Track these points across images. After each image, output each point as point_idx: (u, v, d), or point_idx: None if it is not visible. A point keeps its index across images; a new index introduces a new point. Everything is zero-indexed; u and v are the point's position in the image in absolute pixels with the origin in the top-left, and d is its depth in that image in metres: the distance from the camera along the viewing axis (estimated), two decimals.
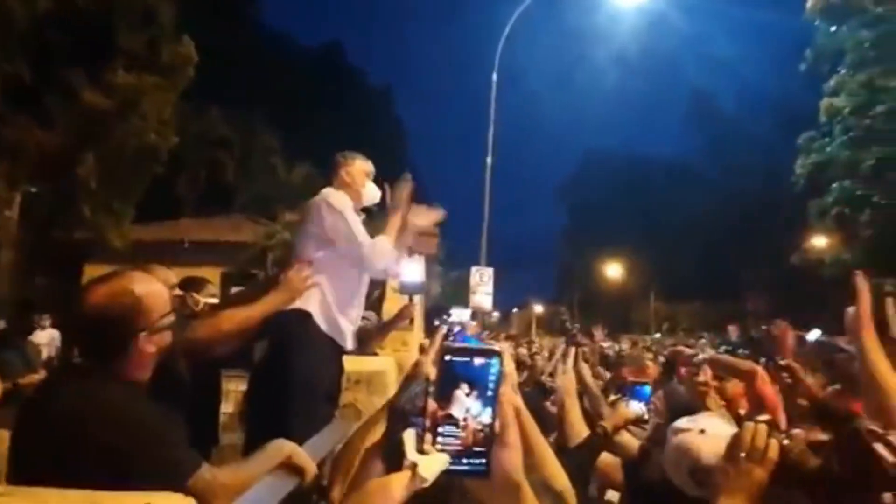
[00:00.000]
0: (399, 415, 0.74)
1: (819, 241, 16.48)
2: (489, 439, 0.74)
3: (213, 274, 13.82)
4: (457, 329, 1.47)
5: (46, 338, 8.72)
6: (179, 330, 1.84)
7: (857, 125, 12.93)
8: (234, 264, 14.32)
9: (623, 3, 11.98)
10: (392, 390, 3.18)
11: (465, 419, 0.73)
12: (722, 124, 35.46)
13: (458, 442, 0.73)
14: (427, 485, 0.70)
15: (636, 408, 2.83)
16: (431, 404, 0.73)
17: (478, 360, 0.76)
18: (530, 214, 69.84)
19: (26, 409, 1.34)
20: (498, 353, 0.77)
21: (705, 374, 2.74)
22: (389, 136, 40.89)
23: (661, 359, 7.33)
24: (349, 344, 2.65)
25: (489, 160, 12.51)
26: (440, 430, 0.72)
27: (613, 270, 40.01)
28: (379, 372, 3.13)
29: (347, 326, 2.62)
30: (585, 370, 4.00)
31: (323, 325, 2.53)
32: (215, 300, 3.04)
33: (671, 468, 1.54)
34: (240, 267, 14.09)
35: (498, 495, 0.76)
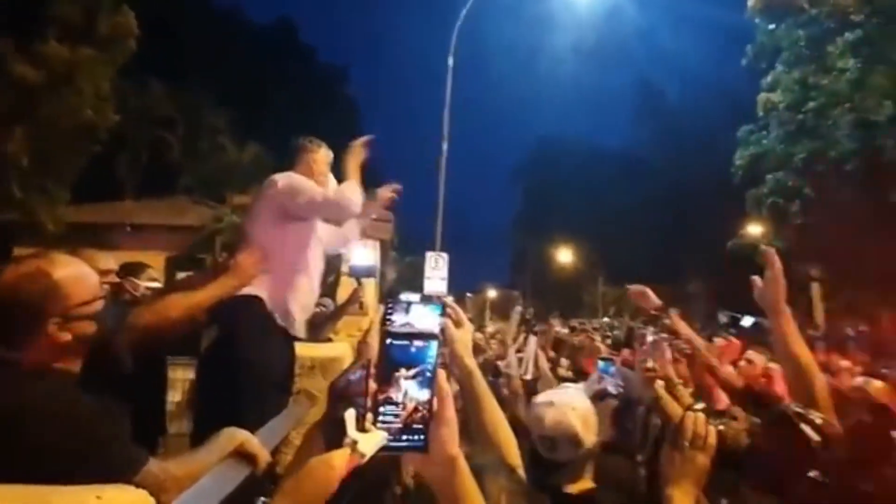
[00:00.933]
0: (338, 396, 0.77)
1: (754, 229, 17.42)
2: (427, 417, 0.78)
3: (156, 259, 13.27)
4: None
5: None
6: (114, 318, 1.75)
7: (791, 120, 13.63)
8: (179, 249, 13.79)
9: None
10: None
11: (404, 399, 0.77)
12: (668, 116, 36.65)
13: (398, 420, 0.77)
14: (365, 460, 0.73)
15: (612, 387, 2.95)
16: (372, 385, 0.76)
17: (417, 343, 0.80)
18: (485, 200, 70.45)
19: None
20: (436, 336, 0.82)
21: (652, 361, 2.89)
22: (344, 117, 40.02)
23: (609, 341, 7.60)
24: (301, 331, 2.61)
25: (444, 146, 12.51)
26: (381, 409, 0.76)
27: (565, 255, 40.96)
28: (334, 358, 3.11)
29: (299, 314, 2.57)
30: (542, 358, 4.12)
31: (274, 312, 2.48)
32: (157, 284, 2.92)
33: (532, 434, 1.67)
34: (186, 251, 13.60)
35: (435, 468, 0.81)
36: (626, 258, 36.55)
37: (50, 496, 0.76)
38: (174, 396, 4.60)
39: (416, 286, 12.99)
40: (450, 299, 1.98)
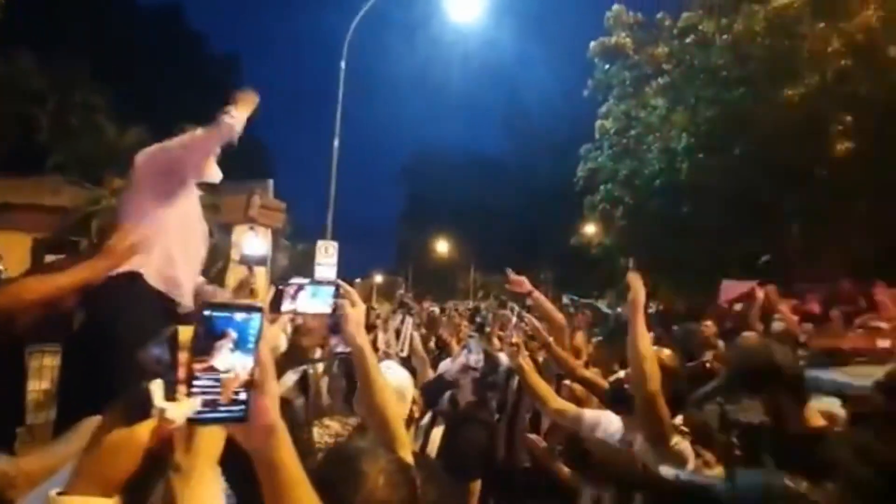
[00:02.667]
0: (142, 369, 0.71)
1: (590, 229, 19.25)
2: (248, 388, 0.73)
3: (23, 240, 11.34)
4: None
5: None
6: None
7: (618, 143, 15.19)
8: (49, 230, 11.85)
9: (461, 13, 12.32)
10: None
11: (224, 370, 0.72)
12: (531, 132, 39.00)
13: (217, 390, 0.71)
14: (176, 425, 0.68)
15: (473, 361, 3.08)
16: (185, 356, 0.71)
17: (239, 316, 0.75)
18: (374, 195, 69.46)
19: None
20: (259, 309, 0.77)
21: (517, 337, 3.10)
22: None
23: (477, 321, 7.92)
24: (187, 299, 2.37)
25: (336, 143, 12.15)
26: (198, 380, 0.70)
27: (442, 246, 41.96)
28: None
29: (185, 283, 2.34)
30: (416, 338, 4.16)
31: (157, 284, 2.24)
32: (5, 273, 2.52)
33: None
34: (57, 233, 11.72)
35: (254, 437, 0.75)
36: (492, 250, 38.38)
37: None
38: (42, 385, 3.97)
39: (308, 272, 12.51)
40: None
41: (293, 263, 24.87)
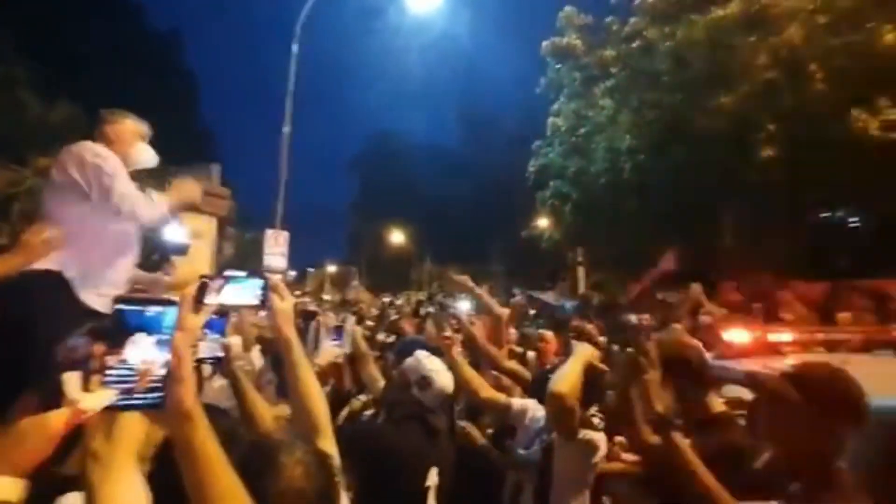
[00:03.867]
0: (58, 361, 0.76)
1: (541, 223, 19.76)
2: (164, 377, 0.78)
3: None
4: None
5: None
6: None
7: (568, 141, 15.63)
8: None
9: (418, 7, 12.23)
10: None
11: (141, 360, 0.77)
12: (485, 125, 39.39)
13: (134, 379, 0.76)
14: (88, 416, 0.73)
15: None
16: (100, 348, 0.75)
17: (152, 309, 0.80)
18: (326, 183, 67.93)
19: None
20: (173, 303, 0.82)
21: (450, 331, 3.21)
22: (178, 86, 34.87)
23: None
24: (104, 306, 2.32)
25: (286, 129, 11.77)
26: (112, 371, 0.75)
27: (396, 237, 41.76)
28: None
29: (105, 290, 2.29)
30: (358, 333, 4.21)
31: (78, 287, 2.19)
32: None
33: None
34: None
35: (172, 423, 0.80)
36: (447, 242, 38.65)
37: None
38: None
39: (257, 261, 12.17)
40: (278, 276, 1.97)
41: (241, 252, 24.02)
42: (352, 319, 4.30)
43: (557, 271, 24.34)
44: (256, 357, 3.71)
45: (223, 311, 1.74)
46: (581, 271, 19.94)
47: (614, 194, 13.80)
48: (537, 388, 2.40)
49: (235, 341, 2.66)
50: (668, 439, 1.63)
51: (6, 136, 17.48)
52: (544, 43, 14.87)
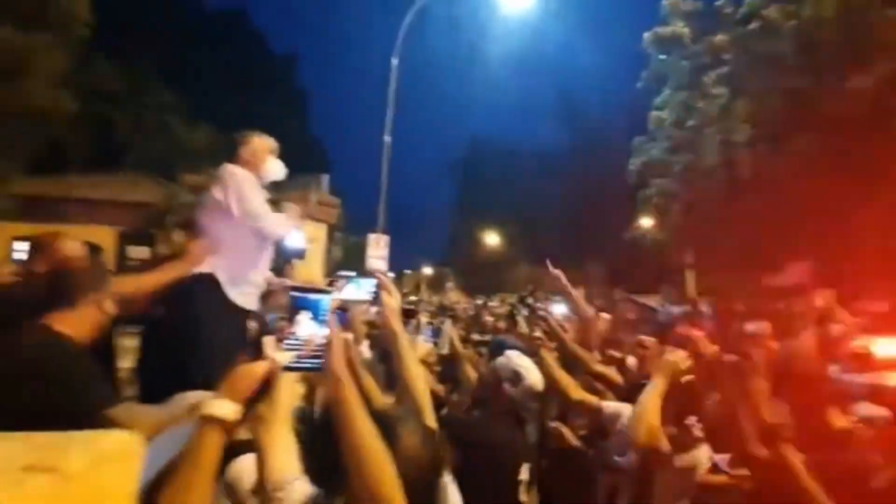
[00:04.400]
0: (261, 330, 1.02)
1: (644, 223, 18.71)
2: (322, 348, 1.01)
3: (106, 233, 12.52)
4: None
5: None
6: None
7: (674, 135, 14.64)
8: (129, 223, 13.00)
9: (510, 7, 12.33)
10: None
11: (309, 334, 1.01)
12: (582, 123, 38.10)
13: (302, 348, 1.00)
14: (280, 366, 0.98)
15: None
16: (282, 324, 1.00)
17: (313, 296, 1.03)
18: (423, 187, 70.21)
19: None
20: (328, 292, 1.06)
21: (539, 331, 3.25)
22: (292, 104, 38.35)
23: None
24: (252, 304, 2.71)
25: (387, 138, 12.43)
26: (289, 341, 1.00)
27: (491, 239, 41.82)
28: None
29: (249, 289, 2.68)
30: (455, 334, 4.37)
31: (227, 287, 2.58)
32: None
33: None
34: (137, 227, 12.84)
35: (328, 383, 1.01)
36: (543, 243, 37.96)
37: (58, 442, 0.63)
38: (125, 363, 4.54)
39: (361, 263, 13.04)
40: (385, 275, 2.20)
41: (347, 254, 25.82)
42: (449, 322, 4.52)
43: (665, 274, 22.83)
44: (365, 351, 4.06)
45: (344, 307, 1.99)
46: (689, 274, 18.54)
47: (729, 191, 12.67)
48: (630, 395, 2.36)
49: (347, 335, 2.97)
50: (778, 453, 1.56)
51: (158, 157, 20.61)
52: (646, 34, 14.13)
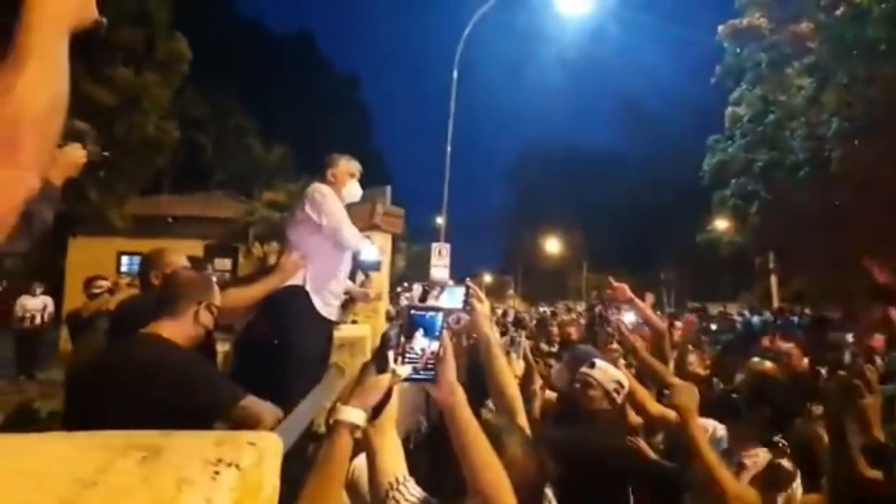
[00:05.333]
0: (384, 345, 1.10)
1: (720, 225, 17.64)
2: (436, 361, 1.08)
3: (196, 246, 13.62)
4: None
5: (40, 304, 8.51)
6: None
7: (753, 131, 13.71)
8: (215, 238, 14.08)
9: (566, 11, 12.21)
10: (369, 352, 3.47)
11: (422, 348, 1.08)
12: (646, 123, 36.63)
13: (418, 361, 1.07)
14: (400, 380, 1.05)
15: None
16: (402, 339, 1.07)
17: (429, 314, 1.11)
18: (483, 194, 70.33)
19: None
20: (442, 310, 1.13)
21: (617, 342, 3.17)
22: (356, 121, 39.94)
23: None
24: (334, 314, 2.88)
25: (448, 149, 12.60)
26: (407, 354, 1.07)
27: (552, 245, 41.02)
28: (359, 337, 3.43)
29: (332, 299, 2.85)
30: (525, 344, 4.34)
31: (313, 299, 2.76)
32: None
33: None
34: (222, 240, 13.88)
35: (440, 393, 1.07)
36: (606, 248, 36.77)
37: (164, 441, 0.61)
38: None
39: (422, 273, 13.26)
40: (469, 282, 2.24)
41: (410, 264, 26.37)
42: (523, 333, 4.50)
43: (745, 280, 21.30)
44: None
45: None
46: (773, 280, 17.18)
47: (817, 188, 11.65)
48: (719, 407, 2.24)
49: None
50: (892, 474, 1.44)
51: (239, 175, 22.23)
52: (721, 27, 13.36)
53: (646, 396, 2.45)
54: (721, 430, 2.19)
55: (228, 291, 2.48)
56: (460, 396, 1.05)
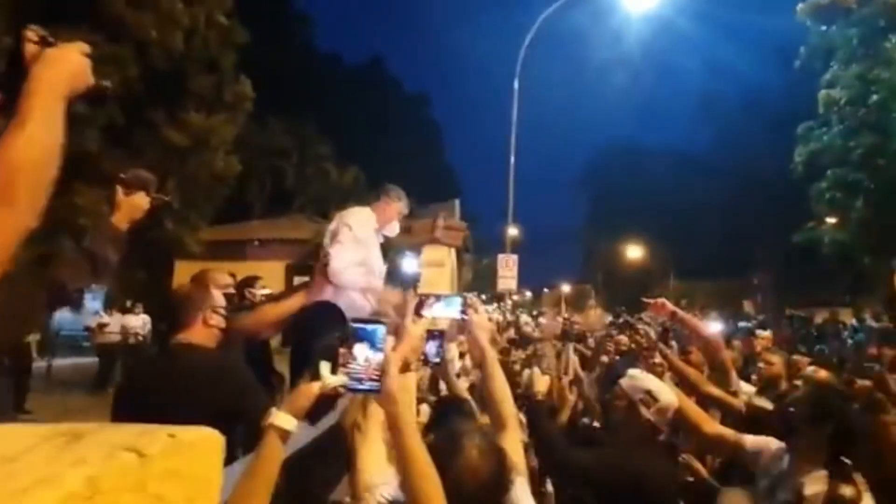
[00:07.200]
0: (319, 356, 1.15)
1: (820, 222, 15.83)
2: (379, 373, 1.11)
3: (278, 266, 14.72)
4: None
5: (140, 322, 9.65)
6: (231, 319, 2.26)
7: (852, 115, 12.26)
8: (296, 258, 15.12)
9: (632, 9, 11.85)
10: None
11: (365, 359, 1.12)
12: (727, 118, 33.96)
13: (362, 373, 1.11)
14: (329, 388, 1.09)
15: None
16: (342, 350, 1.12)
17: (370, 326, 1.15)
18: (557, 203, 68.82)
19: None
20: (384, 322, 1.16)
21: (659, 356, 3.01)
22: (427, 138, 41.11)
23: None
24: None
25: (512, 159, 12.61)
26: (350, 365, 1.12)
27: (634, 252, 39.03)
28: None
29: (366, 307, 2.99)
30: (575, 361, 4.24)
31: (345, 309, 2.91)
32: (268, 291, 3.41)
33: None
34: (301, 260, 14.87)
35: (385, 404, 1.11)
36: (694, 254, 34.33)
37: (90, 430, 0.68)
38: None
39: (492, 284, 13.31)
40: (471, 295, 2.25)
41: (478, 276, 26.44)
42: (570, 346, 4.40)
43: (857, 282, 18.80)
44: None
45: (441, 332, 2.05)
46: (892, 281, 14.97)
47: None
48: (749, 424, 2.03)
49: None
50: None
51: (317, 198, 23.75)
52: (800, 5, 12.17)
53: (699, 415, 2.26)
54: (776, 445, 1.98)
55: (264, 307, 2.70)
56: (403, 406, 1.10)
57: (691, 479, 2.54)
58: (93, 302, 12.04)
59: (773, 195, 22.07)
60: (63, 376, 9.32)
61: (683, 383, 2.62)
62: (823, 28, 12.34)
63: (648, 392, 2.01)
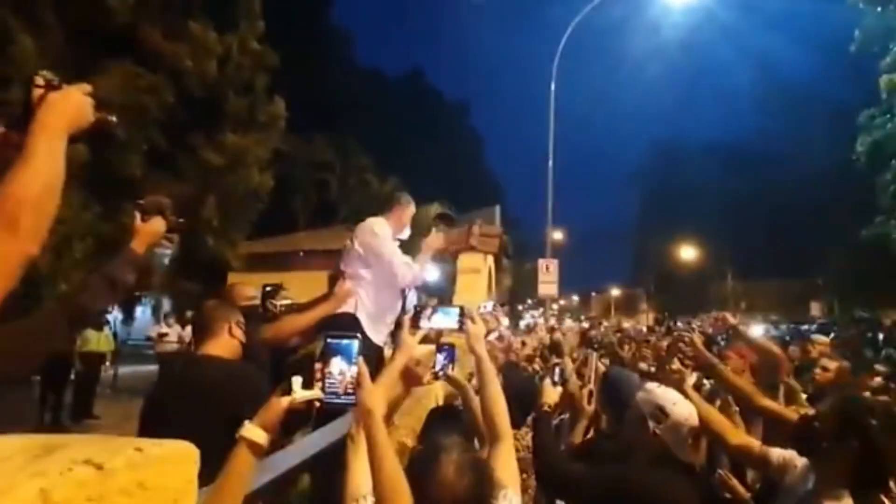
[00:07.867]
0: (291, 370, 1.15)
1: (887, 217, 14.59)
2: (355, 386, 1.14)
3: (322, 277, 14.97)
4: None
5: (189, 333, 10.26)
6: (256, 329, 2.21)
7: None
8: (336, 267, 15.59)
9: (672, 1, 11.54)
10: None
11: (340, 373, 1.14)
12: (784, 111, 32.00)
13: (337, 386, 1.14)
14: (298, 402, 1.08)
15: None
16: (318, 364, 1.14)
17: (344, 341, 1.17)
18: (602, 205, 66.99)
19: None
20: (357, 337, 1.18)
21: (677, 363, 2.89)
22: (467, 145, 41.31)
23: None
24: (381, 340, 2.97)
25: (550, 163, 12.43)
26: (326, 379, 1.13)
27: (688, 252, 37.19)
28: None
29: (382, 328, 3.07)
30: (599, 368, 4.13)
31: (367, 325, 3.00)
32: (289, 301, 3.52)
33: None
34: (340, 271, 15.31)
35: (361, 417, 1.14)
36: (752, 253, 32.54)
37: (62, 443, 0.68)
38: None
39: (533, 290, 13.07)
40: (489, 304, 2.25)
41: (521, 280, 26.12)
42: (594, 355, 4.32)
43: None
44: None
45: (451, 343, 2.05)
46: None
47: None
48: (796, 436, 1.89)
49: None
50: None
51: (358, 209, 24.31)
52: None
53: (723, 425, 2.13)
54: (802, 461, 1.85)
55: (286, 318, 2.81)
56: (376, 418, 1.12)
57: (728, 496, 2.41)
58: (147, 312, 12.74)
59: (838, 190, 20.54)
60: (128, 383, 10.00)
61: (735, 395, 2.45)
62: (878, 9, 11.46)
63: (661, 407, 1.91)
